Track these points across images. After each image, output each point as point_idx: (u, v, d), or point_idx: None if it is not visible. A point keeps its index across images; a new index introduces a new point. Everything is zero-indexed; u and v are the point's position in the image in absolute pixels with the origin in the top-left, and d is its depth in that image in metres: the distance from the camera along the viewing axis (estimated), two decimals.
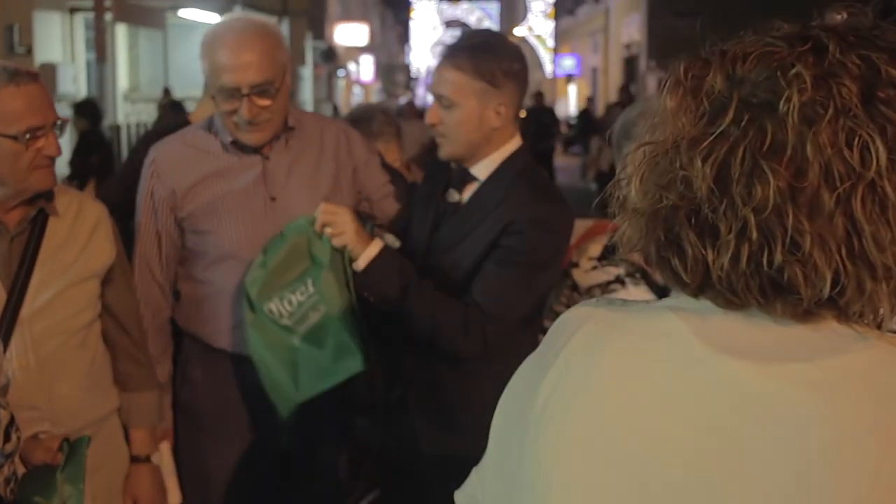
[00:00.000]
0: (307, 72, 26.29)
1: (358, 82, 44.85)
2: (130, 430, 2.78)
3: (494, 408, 2.72)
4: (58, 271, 2.55)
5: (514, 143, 2.79)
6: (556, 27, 42.74)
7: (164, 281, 3.01)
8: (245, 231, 2.91)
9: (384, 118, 3.98)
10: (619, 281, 2.85)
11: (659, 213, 1.02)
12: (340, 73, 38.04)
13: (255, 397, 2.91)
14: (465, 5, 58.16)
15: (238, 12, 3.27)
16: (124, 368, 2.77)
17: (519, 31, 45.58)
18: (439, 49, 2.81)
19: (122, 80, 19.25)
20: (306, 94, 25.18)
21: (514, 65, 2.72)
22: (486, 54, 2.68)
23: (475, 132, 2.72)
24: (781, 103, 0.95)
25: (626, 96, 18.16)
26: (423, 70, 54.79)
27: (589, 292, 2.88)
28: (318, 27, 29.14)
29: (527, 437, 1.07)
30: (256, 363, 2.81)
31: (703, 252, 0.98)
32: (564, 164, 16.68)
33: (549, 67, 41.80)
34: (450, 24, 54.56)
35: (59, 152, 2.52)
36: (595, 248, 2.91)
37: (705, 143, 0.98)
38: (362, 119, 3.90)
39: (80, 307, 2.62)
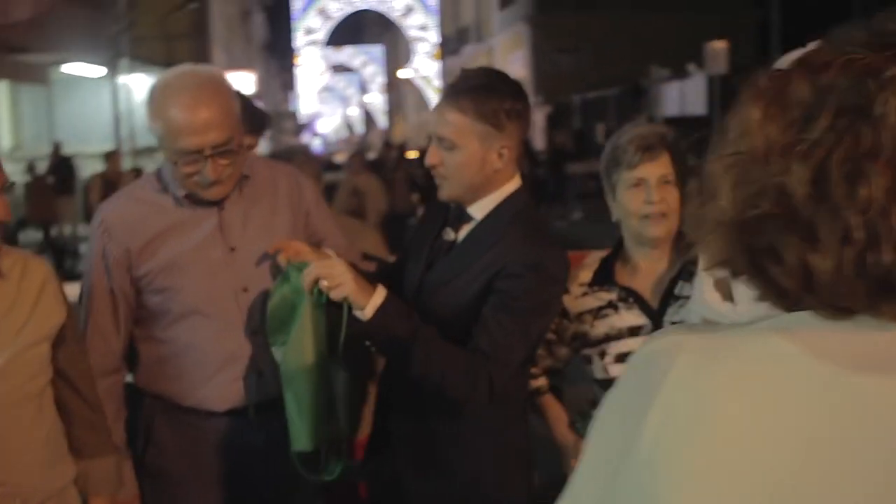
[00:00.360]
0: None
1: None
2: (90, 499, 2.64)
3: (488, 451, 2.69)
4: (9, 336, 2.41)
5: (514, 183, 2.74)
6: (442, 67, 43.19)
7: (119, 345, 2.90)
8: (207, 285, 2.83)
9: (305, 157, 4.14)
10: (611, 306, 2.84)
11: (749, 221, 1.01)
12: None
13: (227, 453, 2.83)
14: (349, 50, 58.43)
15: (184, 66, 3.13)
16: (80, 434, 2.63)
17: (404, 73, 45.97)
18: (444, 90, 2.71)
19: (5, 139, 18.75)
20: None
21: (517, 105, 2.65)
22: (490, 95, 2.61)
23: (477, 174, 2.66)
24: (876, 106, 0.96)
25: None
26: (309, 116, 54.78)
27: (579, 318, 2.87)
28: None
29: (639, 483, 1.01)
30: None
31: (804, 257, 0.98)
32: None
33: None
34: (336, 69, 54.80)
35: (8, 216, 2.40)
36: (585, 274, 2.89)
37: (800, 149, 0.98)
38: (284, 158, 3.92)
39: (33, 372, 2.48)
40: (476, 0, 41.27)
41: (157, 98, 2.73)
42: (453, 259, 2.72)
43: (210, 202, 2.82)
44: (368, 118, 65.75)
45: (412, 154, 21.39)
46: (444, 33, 43.88)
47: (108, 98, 21.45)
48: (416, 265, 2.79)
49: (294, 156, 4.04)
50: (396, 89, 58.69)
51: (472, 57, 42.15)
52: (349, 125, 71.24)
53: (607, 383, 2.82)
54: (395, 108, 61.94)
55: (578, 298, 2.87)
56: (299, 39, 45.49)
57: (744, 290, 2.63)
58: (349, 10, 46.37)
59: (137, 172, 15.02)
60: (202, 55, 29.51)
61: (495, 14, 38.86)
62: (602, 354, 2.82)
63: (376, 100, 61.25)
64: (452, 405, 2.68)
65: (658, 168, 2.74)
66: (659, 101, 21.44)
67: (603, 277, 2.86)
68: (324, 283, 2.57)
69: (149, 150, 21.65)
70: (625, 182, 2.77)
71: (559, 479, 2.81)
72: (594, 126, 28.44)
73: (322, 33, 45.29)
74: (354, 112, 71.42)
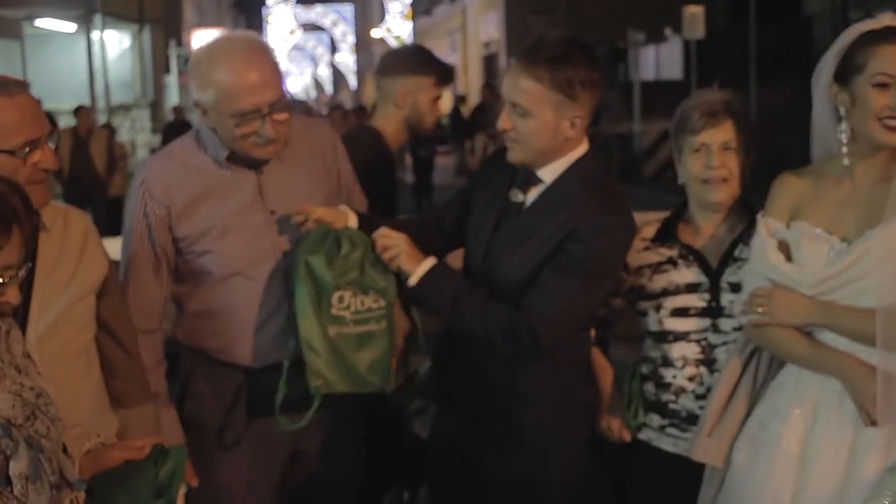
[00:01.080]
0: (172, 79, 25.77)
1: None
2: None
3: (547, 406, 2.78)
4: (58, 289, 2.43)
5: (582, 148, 2.80)
6: (414, 28, 42.90)
7: (160, 301, 2.96)
8: (248, 248, 2.89)
9: (303, 107, 4.21)
10: (670, 262, 2.92)
11: None
12: None
13: (265, 410, 2.88)
14: (319, 8, 57.85)
15: (220, 34, 3.13)
16: (120, 385, 2.66)
17: (377, 33, 45.61)
18: (517, 53, 2.75)
19: None
20: (173, 103, 24.68)
21: (593, 74, 2.69)
22: (566, 65, 2.65)
23: (549, 141, 2.72)
24: None
25: (490, 94, 18.14)
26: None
27: (638, 272, 2.95)
28: (177, 34, 28.56)
29: None
30: (300, 311, 2.80)
31: None
32: (438, 163, 16.73)
33: None
34: (306, 27, 54.31)
35: (56, 165, 2.42)
36: (649, 230, 2.98)
37: None
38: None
39: (82, 325, 2.50)
40: None
41: (203, 66, 2.78)
42: (523, 222, 2.78)
43: (250, 166, 2.88)
44: (338, 78, 65.20)
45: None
46: None
47: (82, 54, 21.19)
48: (484, 225, 2.84)
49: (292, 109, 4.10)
50: (367, 49, 58.21)
51: (446, 18, 41.85)
52: (319, 84, 70.65)
53: (661, 335, 2.91)
54: (364, 68, 61.47)
55: (640, 252, 2.95)
56: None
57: (807, 252, 2.69)
58: None
59: (110, 129, 14.88)
60: (173, 12, 29.14)
61: None
62: (658, 308, 2.91)
63: (347, 59, 60.72)
64: (508, 359, 2.76)
65: (720, 134, 2.81)
66: (635, 65, 21.42)
67: (666, 234, 2.95)
68: (385, 254, 2.78)
69: (123, 107, 21.45)
70: (689, 146, 2.84)
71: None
72: None
73: None
74: (324, 72, 70.82)
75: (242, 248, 2.88)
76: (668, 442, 2.93)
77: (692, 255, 2.90)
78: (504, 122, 2.73)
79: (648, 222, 3.02)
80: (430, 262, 2.77)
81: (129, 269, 2.91)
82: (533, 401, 2.82)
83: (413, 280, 2.76)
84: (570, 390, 2.87)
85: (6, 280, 1.95)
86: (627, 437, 2.95)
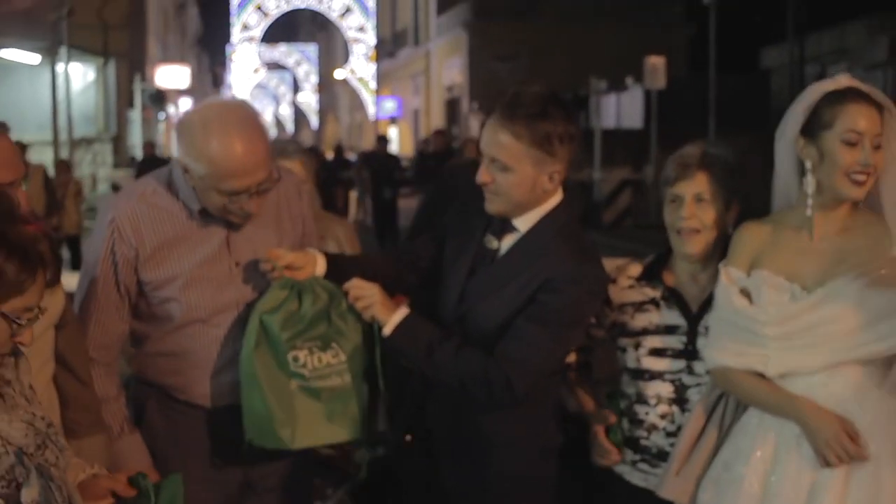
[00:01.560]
0: (136, 114, 25.72)
1: None
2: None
3: (520, 449, 2.82)
4: None
5: (557, 197, 2.86)
6: (378, 70, 43.19)
7: (120, 337, 2.97)
8: (212, 299, 2.91)
9: (295, 146, 4.48)
10: (653, 302, 3.00)
11: None
12: (160, 115, 37.28)
13: (217, 443, 2.94)
14: (283, 47, 57.98)
15: (215, 100, 3.07)
16: (74, 416, 2.67)
17: (340, 74, 45.83)
18: (496, 108, 2.78)
19: None
20: (136, 138, 24.63)
21: (570, 128, 2.75)
22: (544, 122, 2.70)
23: (527, 194, 2.78)
24: None
25: (443, 140, 17.90)
26: None
27: (621, 308, 3.03)
28: (141, 69, 28.56)
29: None
30: (246, 381, 2.81)
31: None
32: (402, 205, 16.72)
33: (371, 109, 42.13)
34: (270, 66, 54.39)
35: (27, 206, 2.41)
36: (635, 269, 3.08)
37: None
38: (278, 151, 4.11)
39: (45, 359, 2.52)
40: (414, 3, 41.31)
41: (197, 136, 2.77)
42: (498, 270, 2.84)
43: (221, 219, 2.90)
44: (300, 117, 65.36)
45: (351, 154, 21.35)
46: (380, 35, 43.83)
47: (46, 86, 21.12)
48: (458, 270, 2.90)
49: (287, 149, 4.17)
50: (329, 89, 58.44)
51: (409, 60, 42.16)
52: (280, 123, 70.74)
53: (638, 373, 3.00)
54: (326, 108, 61.66)
55: (624, 290, 3.04)
56: (235, 35, 45.09)
57: (768, 298, 2.80)
58: (287, 7, 46.13)
59: (66, 166, 14.54)
60: (138, 46, 29.16)
61: (433, 19, 38.94)
62: (637, 346, 3.00)
63: (309, 99, 60.87)
64: (483, 406, 2.82)
65: (693, 186, 2.92)
66: (597, 113, 21.68)
67: (651, 275, 3.03)
68: (358, 304, 2.81)
69: (86, 141, 21.36)
70: (666, 197, 2.94)
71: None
72: None
73: (258, 30, 44.98)
74: (286, 111, 70.94)
75: (206, 299, 2.90)
76: (639, 477, 3.01)
77: (674, 298, 3.00)
78: (483, 175, 2.77)
79: (635, 261, 3.12)
80: (403, 312, 2.81)
81: (90, 305, 2.90)
82: (505, 442, 2.88)
83: (387, 330, 2.79)
84: (541, 431, 2.93)
85: (24, 322, 1.97)
86: (617, 457, 3.00)
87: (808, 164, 2.70)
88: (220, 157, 2.73)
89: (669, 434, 2.96)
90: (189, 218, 2.90)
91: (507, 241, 2.85)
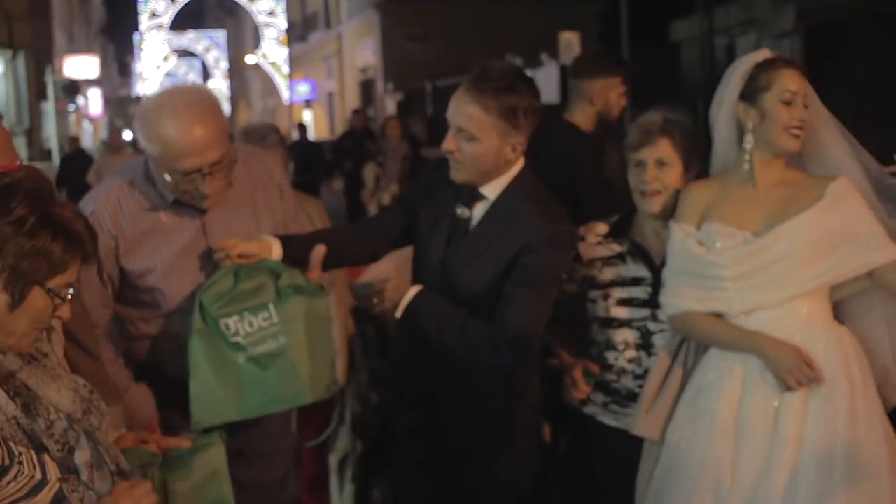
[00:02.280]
0: (49, 106, 25.17)
1: (87, 116, 43.17)
2: None
3: (522, 404, 2.99)
4: None
5: (519, 165, 3.01)
6: (290, 53, 42.88)
7: (104, 321, 3.08)
8: (191, 286, 3.01)
9: (276, 136, 4.44)
10: (619, 257, 3.22)
11: None
12: (70, 107, 36.56)
13: None
14: (191, 34, 57.10)
15: (170, 87, 3.19)
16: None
17: (251, 59, 45.35)
18: (467, 81, 2.92)
19: None
20: (50, 130, 24.13)
21: (535, 103, 2.91)
22: (511, 95, 2.85)
23: (492, 163, 2.93)
24: None
25: (362, 119, 17.92)
26: None
27: (590, 263, 3.23)
28: (51, 60, 27.97)
29: None
30: (192, 367, 2.91)
31: None
32: (325, 192, 16.51)
33: (285, 94, 41.81)
34: (179, 53, 53.54)
35: None
36: (602, 227, 3.28)
37: None
38: (258, 135, 4.15)
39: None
40: None
41: (150, 119, 2.85)
42: (474, 239, 2.98)
43: (195, 207, 2.99)
44: None
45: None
46: (290, 19, 43.47)
47: None
48: (437, 241, 3.03)
49: (266, 135, 4.30)
50: (240, 75, 57.77)
51: (321, 44, 41.93)
52: None
53: (606, 321, 3.22)
54: (238, 94, 60.95)
55: (592, 246, 3.25)
56: (144, 24, 44.26)
57: (722, 246, 3.08)
58: None
59: None
60: (43, 37, 28.53)
61: (344, 1, 38.76)
62: (606, 297, 3.21)
63: (220, 85, 60.10)
64: (466, 398, 3.00)
65: (654, 151, 3.15)
66: None
67: (618, 231, 3.24)
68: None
69: None
70: (630, 162, 3.17)
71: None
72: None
73: (167, 17, 44.20)
74: None
75: (185, 285, 3.00)
76: (611, 417, 3.26)
77: (639, 252, 3.23)
78: (450, 143, 2.92)
79: (599, 221, 3.36)
80: (413, 291, 2.96)
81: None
82: (484, 445, 3.07)
83: (398, 313, 2.96)
84: (521, 388, 3.10)
85: (65, 298, 2.05)
86: (585, 394, 3.23)
87: (750, 126, 2.98)
88: (170, 137, 2.81)
89: (637, 377, 3.19)
90: (166, 208, 2.99)
91: (479, 210, 3.00)
